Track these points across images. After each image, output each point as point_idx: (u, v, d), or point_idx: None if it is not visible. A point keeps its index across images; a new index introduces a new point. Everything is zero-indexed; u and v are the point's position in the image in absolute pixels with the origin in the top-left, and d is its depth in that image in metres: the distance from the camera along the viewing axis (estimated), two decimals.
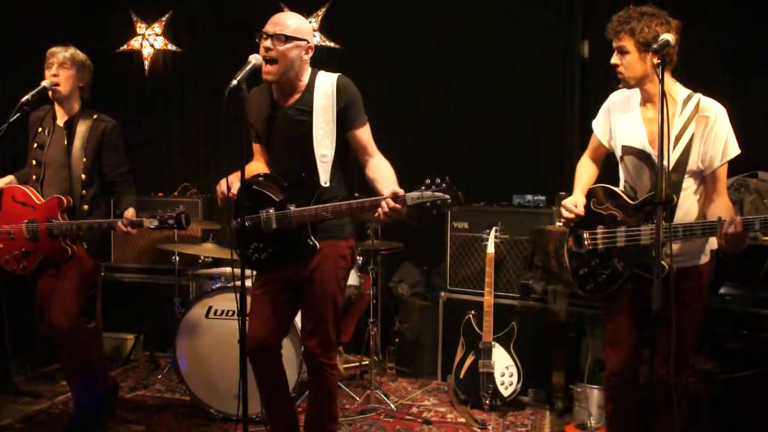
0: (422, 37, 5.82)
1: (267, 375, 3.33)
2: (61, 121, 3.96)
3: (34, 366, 5.09)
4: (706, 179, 3.04)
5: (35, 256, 3.84)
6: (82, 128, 3.94)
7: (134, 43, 6.47)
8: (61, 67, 3.86)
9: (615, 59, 3.05)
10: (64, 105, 3.95)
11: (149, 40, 6.45)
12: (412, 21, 5.83)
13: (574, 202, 3.17)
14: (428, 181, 2.73)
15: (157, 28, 6.43)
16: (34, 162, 3.95)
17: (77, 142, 3.91)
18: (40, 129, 3.98)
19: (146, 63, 6.46)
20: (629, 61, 2.99)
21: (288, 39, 3.01)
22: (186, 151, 6.46)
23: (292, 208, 3.08)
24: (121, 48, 6.48)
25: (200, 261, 5.28)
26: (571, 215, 3.14)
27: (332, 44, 5.95)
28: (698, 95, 3.01)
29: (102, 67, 6.42)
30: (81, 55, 3.96)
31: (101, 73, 6.53)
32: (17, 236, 3.85)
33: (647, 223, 2.99)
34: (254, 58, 2.93)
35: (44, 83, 3.79)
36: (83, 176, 3.89)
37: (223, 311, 4.25)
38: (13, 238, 3.86)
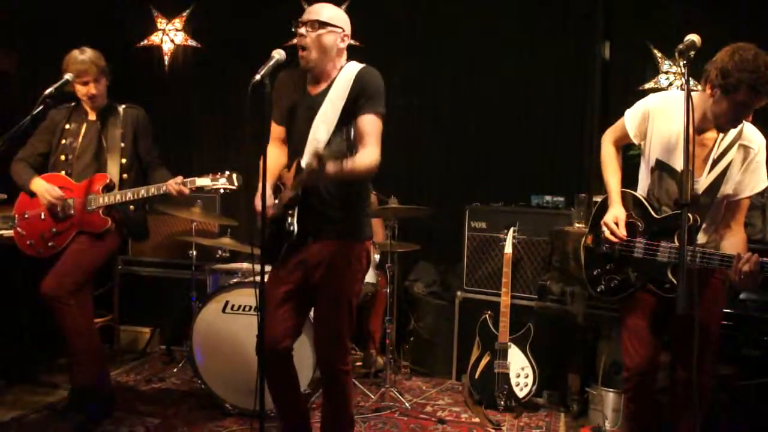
0: (441, 35, 5.81)
1: (278, 376, 3.24)
2: (92, 115, 4.06)
3: (52, 356, 5.11)
4: (728, 204, 3.03)
5: (68, 233, 3.91)
6: (115, 118, 4.04)
7: (154, 38, 6.50)
8: (96, 82, 3.97)
9: (744, 113, 2.83)
10: (96, 104, 4.06)
11: (169, 35, 6.47)
12: (431, 19, 5.82)
13: (615, 218, 3.08)
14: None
15: (178, 23, 6.45)
16: (62, 157, 4.01)
17: (114, 131, 4.00)
18: (67, 126, 4.04)
19: (166, 58, 6.48)
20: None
21: (321, 25, 2.98)
22: (205, 147, 6.48)
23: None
24: (142, 43, 6.51)
25: (218, 256, 5.30)
26: (614, 239, 3.06)
27: (352, 41, 5.93)
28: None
29: (122, 62, 6.47)
30: (99, 57, 3.99)
31: (121, 68, 6.57)
32: (49, 216, 3.93)
33: (667, 240, 2.97)
34: (277, 53, 2.90)
35: (67, 76, 3.79)
36: (123, 160, 3.99)
37: (240, 306, 4.25)
38: (44, 219, 3.94)
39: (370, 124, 2.97)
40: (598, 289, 3.21)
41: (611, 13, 5.39)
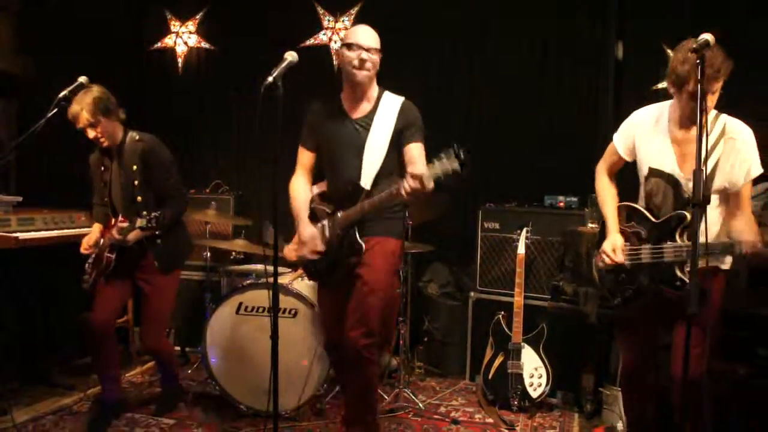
0: (455, 36, 5.80)
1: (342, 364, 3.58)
2: (113, 153, 4.03)
3: (68, 358, 5.14)
4: (729, 197, 3.08)
5: (92, 276, 4.06)
6: (127, 154, 3.99)
7: (168, 40, 6.53)
8: (91, 128, 3.86)
9: (712, 102, 2.95)
10: (108, 145, 4.00)
11: (183, 37, 6.50)
12: (445, 20, 5.81)
13: (614, 247, 3.18)
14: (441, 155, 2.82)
15: (191, 26, 6.48)
16: (105, 199, 4.10)
17: (129, 168, 3.97)
18: (102, 168, 4.08)
19: (180, 60, 6.51)
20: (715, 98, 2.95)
21: (378, 51, 3.36)
22: (218, 149, 6.49)
23: (340, 213, 3.31)
24: (155, 45, 6.53)
25: (231, 257, 5.31)
26: (612, 263, 3.17)
27: None
28: (724, 117, 3.04)
29: (136, 64, 6.50)
30: (93, 96, 3.82)
31: (135, 70, 6.59)
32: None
33: (670, 240, 3.02)
34: (289, 55, 2.93)
35: (81, 79, 3.76)
36: (139, 198, 3.95)
37: (253, 308, 4.27)
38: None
39: (417, 150, 3.37)
40: (616, 302, 3.28)
41: (624, 13, 5.37)
